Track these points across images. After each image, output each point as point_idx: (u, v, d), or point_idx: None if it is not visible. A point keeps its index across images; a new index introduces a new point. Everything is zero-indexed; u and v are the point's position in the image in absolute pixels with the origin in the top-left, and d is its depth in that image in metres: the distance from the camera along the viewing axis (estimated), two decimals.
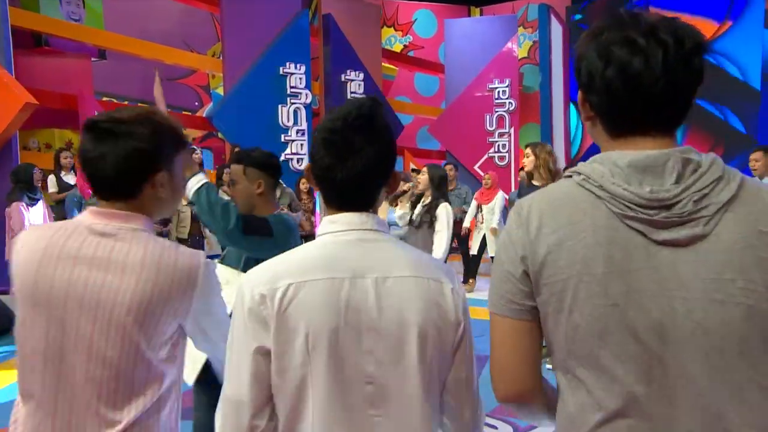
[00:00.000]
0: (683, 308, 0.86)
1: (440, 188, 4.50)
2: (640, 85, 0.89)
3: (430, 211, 4.41)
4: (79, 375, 1.15)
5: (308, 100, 9.32)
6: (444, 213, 4.35)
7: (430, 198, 4.50)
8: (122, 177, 1.20)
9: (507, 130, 11.51)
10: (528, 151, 4.35)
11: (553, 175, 4.21)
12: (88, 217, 1.21)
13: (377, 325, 1.00)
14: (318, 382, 0.98)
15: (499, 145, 11.50)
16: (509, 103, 11.52)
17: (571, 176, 0.96)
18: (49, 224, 1.28)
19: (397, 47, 14.03)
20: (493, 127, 11.57)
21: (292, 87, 9.18)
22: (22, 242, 1.21)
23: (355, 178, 1.03)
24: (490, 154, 11.57)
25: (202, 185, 1.93)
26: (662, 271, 0.87)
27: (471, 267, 7.64)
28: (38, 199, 5.82)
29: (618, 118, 0.94)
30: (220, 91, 10.50)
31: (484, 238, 7.24)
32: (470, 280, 7.51)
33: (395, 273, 1.02)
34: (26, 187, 5.63)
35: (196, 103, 11.94)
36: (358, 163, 1.02)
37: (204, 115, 10.77)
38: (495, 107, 11.53)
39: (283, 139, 9.05)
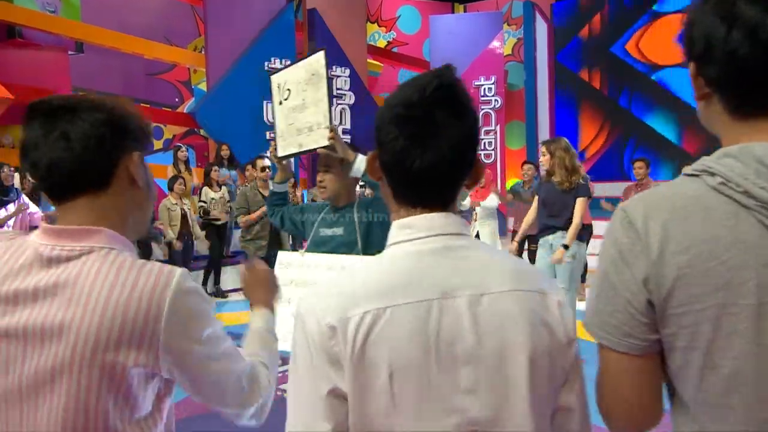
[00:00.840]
0: None
1: None
2: None
3: None
4: None
5: None
6: None
7: None
8: (91, 156, 0.95)
9: (493, 128, 11.48)
10: (543, 149, 4.27)
11: (571, 172, 4.13)
12: (37, 238, 0.96)
13: (477, 356, 0.79)
14: None
15: (485, 143, 11.46)
16: (495, 100, 11.49)
17: (697, 175, 0.77)
18: None
19: (381, 43, 13.91)
20: (479, 125, 11.54)
21: None
22: None
23: (438, 165, 0.81)
24: None
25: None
26: None
27: None
28: (8, 201, 5.53)
29: (744, 95, 0.76)
30: (203, 86, 10.26)
31: (477, 236, 7.19)
32: None
33: (493, 288, 0.82)
34: None
35: (177, 99, 11.67)
36: (444, 144, 0.81)
37: (185, 111, 10.54)
38: (481, 104, 11.49)
39: (268, 136, 8.85)
